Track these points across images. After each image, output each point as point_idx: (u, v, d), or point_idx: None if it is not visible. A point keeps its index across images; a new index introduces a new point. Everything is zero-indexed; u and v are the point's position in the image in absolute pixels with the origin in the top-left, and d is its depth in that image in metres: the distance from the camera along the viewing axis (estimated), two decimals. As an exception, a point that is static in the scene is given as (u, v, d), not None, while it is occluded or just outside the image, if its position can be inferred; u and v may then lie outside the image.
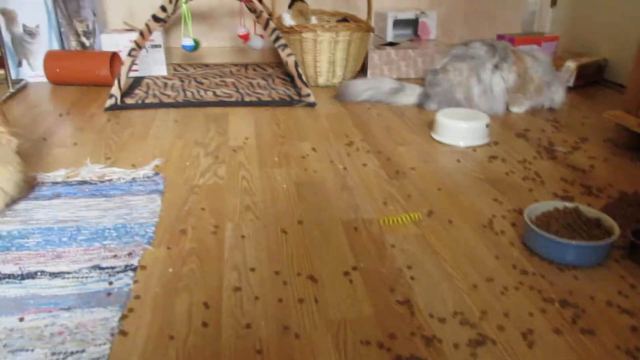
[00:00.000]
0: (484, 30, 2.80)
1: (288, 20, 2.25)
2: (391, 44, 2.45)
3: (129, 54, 1.96)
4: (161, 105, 1.99)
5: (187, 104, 2.01)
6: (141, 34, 1.97)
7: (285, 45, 2.03)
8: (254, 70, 2.51)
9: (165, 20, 1.99)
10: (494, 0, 2.76)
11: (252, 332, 0.88)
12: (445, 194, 1.36)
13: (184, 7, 2.02)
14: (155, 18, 1.98)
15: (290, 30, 2.18)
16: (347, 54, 2.20)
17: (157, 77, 2.34)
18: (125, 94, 2.08)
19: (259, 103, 2.03)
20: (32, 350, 0.83)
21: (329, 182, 1.41)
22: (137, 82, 2.26)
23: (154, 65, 2.36)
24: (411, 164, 1.54)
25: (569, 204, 1.17)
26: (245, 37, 2.31)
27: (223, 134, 1.74)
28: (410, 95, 2.04)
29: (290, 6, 2.30)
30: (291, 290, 0.98)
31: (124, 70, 1.95)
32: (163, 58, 2.37)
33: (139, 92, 2.13)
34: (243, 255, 1.09)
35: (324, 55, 2.18)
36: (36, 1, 2.18)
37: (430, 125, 1.81)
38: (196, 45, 2.11)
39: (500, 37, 2.44)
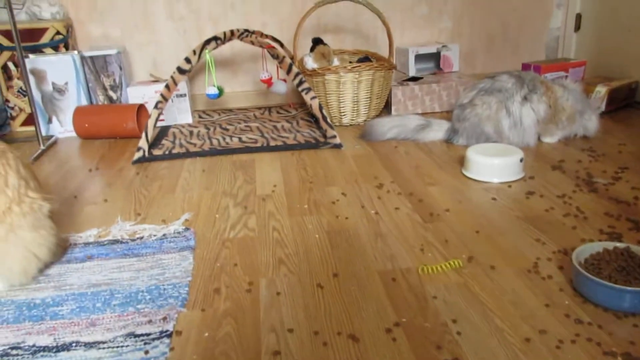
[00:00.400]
0: (507, 59, 2.77)
1: (310, 63, 2.26)
2: (414, 79, 2.44)
3: (156, 107, 1.98)
4: (188, 155, 2.00)
5: (213, 152, 2.01)
6: (167, 86, 2.00)
7: (309, 89, 2.03)
8: (278, 112, 2.52)
9: (190, 71, 2.02)
10: (516, 28, 2.74)
11: (295, 402, 0.84)
12: (484, 237, 1.31)
13: (207, 57, 2.05)
14: (180, 70, 2.01)
15: (313, 72, 2.18)
16: (370, 93, 2.19)
17: (182, 126, 2.36)
18: (152, 144, 2.10)
19: (285, 147, 2.02)
20: None
21: (362, 229, 1.38)
22: (163, 131, 2.28)
23: (179, 114, 2.39)
24: (445, 205, 1.49)
25: (619, 244, 1.11)
26: (268, 82, 2.33)
27: (251, 182, 1.73)
28: (438, 131, 2.01)
29: (312, 49, 2.31)
30: (332, 353, 0.94)
31: (150, 122, 1.97)
32: (188, 106, 2.40)
33: (165, 142, 2.14)
34: (280, 315, 1.05)
35: (347, 96, 2.18)
36: (65, 60, 2.24)
37: (460, 161, 1.77)
38: (220, 92, 2.13)
39: (526, 65, 2.40)
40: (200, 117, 2.51)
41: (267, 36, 2.28)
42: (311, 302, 1.09)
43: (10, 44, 2.28)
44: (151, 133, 1.98)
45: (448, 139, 1.99)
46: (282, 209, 1.52)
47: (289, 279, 1.18)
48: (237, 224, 1.45)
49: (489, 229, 1.34)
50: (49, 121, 2.30)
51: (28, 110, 2.38)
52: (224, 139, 2.15)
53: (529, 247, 1.25)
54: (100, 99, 2.37)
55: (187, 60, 2.02)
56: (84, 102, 2.33)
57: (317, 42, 2.30)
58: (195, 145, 2.09)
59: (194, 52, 2.03)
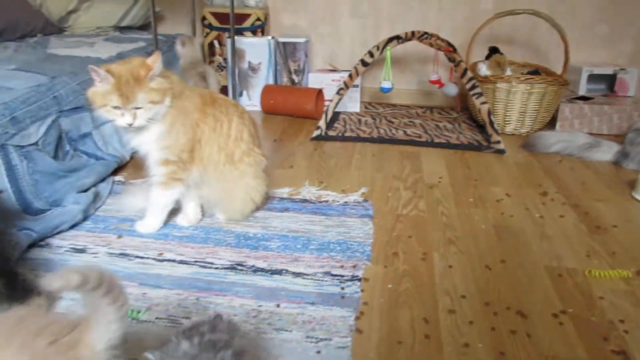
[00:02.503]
0: (689, 90, 2.63)
1: (484, 70, 2.36)
2: (584, 98, 2.42)
3: (337, 93, 2.22)
4: (358, 139, 2.21)
5: (381, 140, 2.20)
6: (350, 76, 2.23)
7: (480, 94, 2.14)
8: (439, 113, 2.65)
9: (370, 64, 2.23)
10: None
11: (471, 351, 0.98)
12: (653, 256, 1.34)
13: (388, 53, 2.25)
14: (364, 63, 2.22)
15: (485, 79, 2.28)
16: (539, 106, 2.24)
17: (351, 114, 2.59)
18: (327, 126, 2.34)
19: (448, 145, 2.15)
20: (290, 331, 1.03)
21: (527, 228, 1.47)
22: (335, 116, 2.53)
23: (349, 102, 2.62)
24: (612, 221, 1.53)
25: None
26: (437, 83, 2.46)
27: (418, 171, 1.89)
28: (606, 152, 2.01)
29: (487, 57, 2.41)
30: (502, 322, 1.07)
31: (331, 106, 2.21)
32: (358, 97, 2.62)
33: (338, 126, 2.38)
34: (452, 283, 1.20)
35: (515, 105, 2.25)
36: (262, 43, 2.58)
37: (631, 184, 1.77)
38: (392, 87, 2.31)
39: None
40: (366, 108, 2.73)
41: (442, 40, 2.42)
42: (481, 278, 1.23)
43: (219, 25, 2.66)
44: (330, 115, 2.23)
45: (617, 161, 1.98)
46: (449, 199, 1.66)
47: (459, 257, 1.32)
48: (408, 204, 1.62)
49: (658, 250, 1.37)
50: (240, 95, 2.66)
51: (223, 82, 2.76)
52: (390, 130, 2.34)
53: (702, 273, 1.26)
54: (285, 80, 2.68)
55: (371, 54, 2.23)
56: (271, 81, 2.65)
57: (494, 50, 2.39)
58: (364, 132, 2.30)
59: (377, 47, 2.23)
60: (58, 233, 1.36)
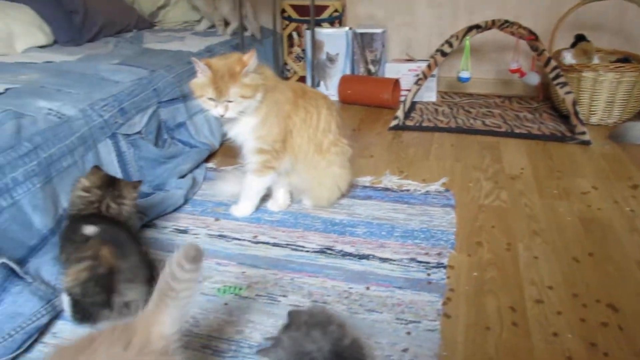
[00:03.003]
0: None
1: (569, 58, 2.29)
2: (678, 87, 2.30)
3: (416, 83, 2.24)
4: (436, 129, 2.22)
5: (459, 130, 2.20)
6: (428, 66, 2.24)
7: (564, 83, 2.09)
8: (518, 103, 2.60)
9: (448, 54, 2.22)
10: None
11: (560, 340, 1.00)
12: None
13: (467, 43, 2.23)
14: (442, 53, 2.22)
15: (569, 68, 2.22)
16: (629, 95, 2.15)
17: (427, 103, 2.60)
18: (404, 116, 2.37)
19: (529, 136, 2.12)
20: (381, 312, 1.09)
21: (616, 221, 1.45)
22: (412, 106, 2.54)
23: (425, 92, 2.63)
24: None
25: None
26: (517, 72, 2.42)
27: (498, 161, 1.88)
28: (703, 144, 1.91)
29: (573, 45, 2.34)
30: (592, 313, 1.08)
31: (409, 96, 2.23)
32: (434, 86, 2.62)
33: (414, 115, 2.40)
34: (538, 274, 1.22)
35: (602, 95, 2.17)
36: (340, 34, 2.63)
37: None
38: (470, 77, 2.30)
39: None
40: (442, 97, 2.72)
41: (524, 28, 2.37)
42: (568, 270, 1.23)
43: (297, 17, 2.74)
44: (408, 105, 2.25)
45: None
46: (532, 190, 1.65)
47: (544, 248, 1.32)
48: (490, 194, 1.63)
49: None
50: (317, 85, 2.73)
51: (300, 73, 2.84)
52: (468, 120, 2.33)
53: None
54: (361, 70, 2.73)
55: (450, 44, 2.22)
56: (348, 71, 2.70)
57: (580, 38, 2.31)
58: (442, 121, 2.31)
59: (457, 37, 2.22)
60: (163, 215, 1.48)
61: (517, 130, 2.17)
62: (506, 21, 2.25)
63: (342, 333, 0.77)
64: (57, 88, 1.56)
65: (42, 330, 1.03)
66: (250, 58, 1.32)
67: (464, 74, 2.30)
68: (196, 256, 0.74)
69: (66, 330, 1.05)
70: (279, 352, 0.77)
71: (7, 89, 1.49)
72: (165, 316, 0.73)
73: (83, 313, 0.99)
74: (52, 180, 1.26)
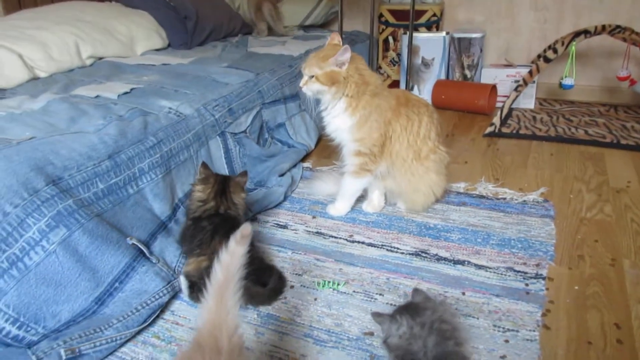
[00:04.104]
0: None
1: (687, 66, 2.14)
2: None
3: (516, 89, 2.19)
4: (535, 137, 2.16)
5: (559, 139, 2.13)
6: (530, 72, 2.18)
7: (681, 93, 1.96)
8: (625, 112, 2.46)
9: (552, 60, 2.15)
10: None
11: (670, 363, 0.96)
12: None
13: (573, 49, 2.15)
14: (546, 59, 2.16)
15: (687, 76, 2.07)
16: None
17: (525, 110, 2.53)
18: (501, 123, 2.32)
19: (638, 148, 2.00)
20: (477, 318, 1.09)
21: None
22: (508, 113, 2.48)
23: (523, 98, 2.55)
24: None
25: None
26: (626, 79, 2.29)
27: (602, 173, 1.80)
28: None
29: (692, 52, 2.18)
30: None
31: (508, 103, 2.19)
32: (533, 93, 2.54)
33: (511, 122, 2.34)
34: (646, 293, 1.17)
35: None
36: (437, 39, 2.62)
37: None
38: (574, 84, 2.21)
39: None
40: (540, 104, 2.63)
41: (638, 34, 2.24)
42: (681, 292, 1.17)
43: (395, 22, 2.76)
44: (505, 112, 2.21)
45: None
46: (639, 204, 1.57)
47: (654, 267, 1.26)
48: (592, 207, 1.57)
49: None
50: (411, 89, 2.74)
51: (394, 77, 2.87)
52: (569, 128, 2.24)
53: None
54: (457, 75, 2.70)
55: (554, 50, 2.15)
56: (442, 76, 2.68)
57: (701, 45, 2.15)
58: (540, 130, 2.24)
59: (562, 42, 2.15)
60: (264, 210, 1.58)
61: (623, 141, 2.06)
62: (618, 26, 2.14)
63: (455, 338, 0.80)
64: (174, 89, 1.70)
65: (163, 308, 1.14)
66: (338, 52, 1.36)
67: (568, 81, 2.22)
68: (244, 236, 0.76)
69: (182, 309, 1.16)
70: (392, 328, 0.83)
71: (132, 89, 1.66)
72: (230, 316, 0.74)
73: (199, 294, 1.09)
74: (170, 172, 1.39)
